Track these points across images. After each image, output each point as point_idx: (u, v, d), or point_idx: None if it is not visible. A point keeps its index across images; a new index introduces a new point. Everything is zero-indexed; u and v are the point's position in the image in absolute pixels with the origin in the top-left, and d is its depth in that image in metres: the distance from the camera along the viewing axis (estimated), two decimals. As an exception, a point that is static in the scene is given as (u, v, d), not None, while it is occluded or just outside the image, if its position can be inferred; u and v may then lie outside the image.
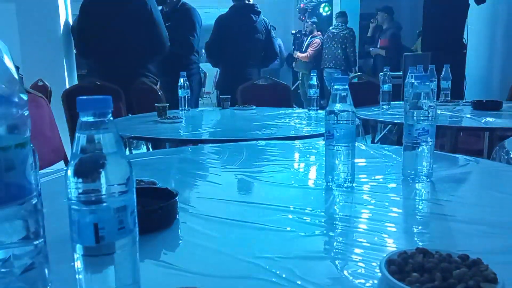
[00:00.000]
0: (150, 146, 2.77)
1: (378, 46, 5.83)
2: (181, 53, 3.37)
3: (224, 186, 0.99)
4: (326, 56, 6.14)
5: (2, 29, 4.73)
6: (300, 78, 6.99)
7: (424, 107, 0.91)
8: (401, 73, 4.59)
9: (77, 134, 0.43)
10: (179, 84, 2.51)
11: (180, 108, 2.52)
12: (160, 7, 3.54)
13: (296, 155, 1.38)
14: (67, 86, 3.86)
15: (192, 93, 3.49)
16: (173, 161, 1.27)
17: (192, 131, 1.81)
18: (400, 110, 2.31)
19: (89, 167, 0.42)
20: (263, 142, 1.45)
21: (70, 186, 0.42)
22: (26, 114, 0.47)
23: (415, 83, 0.94)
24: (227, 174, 1.09)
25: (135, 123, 2.15)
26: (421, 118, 0.91)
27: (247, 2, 3.43)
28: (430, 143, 0.92)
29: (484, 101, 2.27)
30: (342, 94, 0.89)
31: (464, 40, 3.81)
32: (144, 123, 2.09)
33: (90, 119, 0.43)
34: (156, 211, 0.69)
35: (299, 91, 7.78)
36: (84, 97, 0.43)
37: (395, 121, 2.03)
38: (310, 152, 1.41)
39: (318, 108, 2.36)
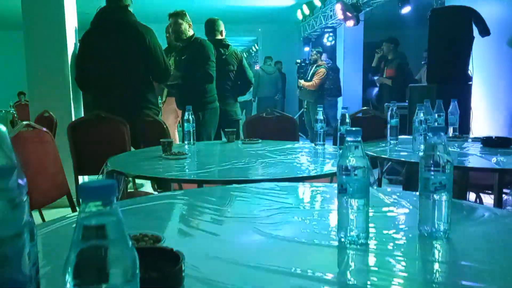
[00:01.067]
0: (155, 184, 2.74)
1: (384, 76, 5.85)
2: (201, 83, 3.42)
3: (230, 242, 0.95)
4: None
5: (10, 57, 4.80)
6: (305, 106, 7.01)
7: (440, 161, 0.87)
8: (406, 103, 4.58)
9: (77, 222, 0.39)
10: (185, 118, 2.50)
11: (185, 142, 2.51)
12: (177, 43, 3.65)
13: (305, 201, 1.34)
14: (73, 118, 3.87)
15: (211, 124, 3.52)
16: (178, 208, 1.23)
17: (197, 170, 1.78)
18: (408, 146, 2.27)
19: (90, 264, 0.38)
20: (269, 185, 1.41)
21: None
22: (24, 199, 0.44)
23: (430, 135, 0.90)
24: (233, 225, 1.05)
25: (139, 158, 2.12)
26: (438, 173, 0.87)
27: (217, 38, 3.74)
28: (448, 198, 0.88)
29: (493, 137, 2.23)
30: (355, 147, 0.86)
31: (469, 72, 3.80)
32: (149, 159, 2.06)
33: (93, 208, 0.39)
34: (160, 280, 0.65)
35: (303, 118, 7.80)
36: (87, 185, 0.40)
37: (404, 159, 1.98)
38: (319, 198, 1.37)
39: (324, 143, 2.34)
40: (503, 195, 2.28)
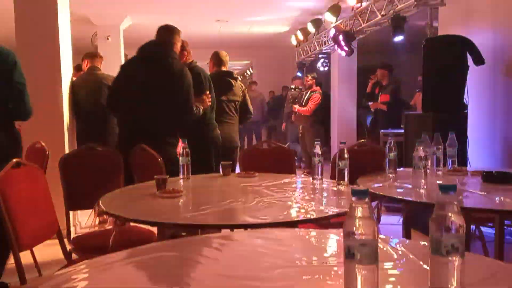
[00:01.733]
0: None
1: (379, 101, 5.87)
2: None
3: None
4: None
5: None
6: (300, 132, 7.00)
7: (453, 224, 0.83)
8: (402, 129, 4.57)
9: None
10: (180, 151, 2.46)
11: (181, 176, 2.45)
12: None
13: (307, 253, 1.26)
14: (67, 149, 3.80)
15: (214, 154, 3.48)
16: (171, 262, 1.17)
17: (193, 211, 1.71)
18: (408, 181, 2.23)
19: None
20: (269, 234, 1.35)
21: None
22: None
23: (440, 193, 0.86)
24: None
25: (133, 197, 2.06)
26: (450, 235, 0.83)
27: (227, 70, 3.93)
28: (461, 262, 0.83)
29: (494, 172, 2.20)
30: (362, 208, 0.81)
31: (465, 101, 3.81)
32: (142, 198, 2.00)
33: None
34: None
35: (297, 142, 7.78)
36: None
37: (405, 197, 1.94)
38: (321, 249, 1.31)
39: (322, 177, 2.29)
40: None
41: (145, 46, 3.17)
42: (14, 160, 2.02)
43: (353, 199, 0.83)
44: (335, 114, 7.70)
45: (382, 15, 4.93)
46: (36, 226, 2.02)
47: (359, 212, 0.81)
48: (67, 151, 3.80)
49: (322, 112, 6.98)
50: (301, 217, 1.59)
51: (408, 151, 3.97)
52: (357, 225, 0.80)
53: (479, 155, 3.97)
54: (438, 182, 0.84)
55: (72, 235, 2.53)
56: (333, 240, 1.35)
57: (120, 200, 1.99)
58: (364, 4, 5.35)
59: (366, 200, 0.82)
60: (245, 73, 14.48)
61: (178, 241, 1.37)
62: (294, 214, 1.70)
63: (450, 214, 0.83)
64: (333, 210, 1.69)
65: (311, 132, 6.69)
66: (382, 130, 5.02)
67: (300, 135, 7.05)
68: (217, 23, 7.81)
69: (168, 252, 1.21)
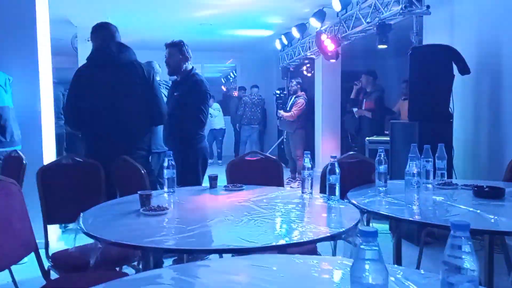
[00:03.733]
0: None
1: (363, 108, 5.88)
2: (192, 128, 3.32)
3: None
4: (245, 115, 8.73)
5: None
6: (285, 137, 6.96)
7: (466, 268, 0.77)
8: (388, 138, 4.56)
9: None
10: (165, 164, 2.36)
11: (166, 189, 2.36)
12: (174, 77, 3.50)
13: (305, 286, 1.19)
14: (44, 158, 3.65)
15: (201, 165, 3.38)
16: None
17: (179, 233, 1.62)
18: (399, 196, 2.20)
19: None
20: (263, 260, 1.28)
21: None
22: None
23: (452, 234, 0.80)
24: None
25: (115, 215, 1.96)
26: (462, 278, 0.77)
27: None
28: (475, 307, 0.78)
29: (485, 187, 2.18)
30: (372, 252, 0.75)
31: (450, 109, 3.82)
32: (125, 216, 1.91)
33: None
34: None
35: (282, 146, 7.74)
36: None
37: (398, 216, 1.89)
38: (318, 280, 1.24)
39: (312, 191, 2.24)
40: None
41: (100, 50, 2.87)
42: (-12, 175, 1.90)
43: (361, 240, 0.76)
44: (319, 120, 7.68)
45: (368, 22, 4.93)
46: (11, 245, 1.91)
47: (368, 255, 0.75)
48: (44, 159, 3.66)
49: (306, 117, 6.97)
50: (293, 240, 1.53)
51: (394, 160, 3.96)
52: (366, 270, 0.74)
53: (464, 165, 3.99)
54: (450, 222, 0.78)
55: (51, 250, 2.41)
56: (333, 272, 1.29)
57: (102, 218, 1.89)
58: (349, 10, 5.35)
59: (376, 242, 0.76)
60: (229, 76, 14.40)
61: (158, 272, 1.29)
62: (285, 236, 1.63)
63: (463, 256, 0.78)
64: (326, 232, 1.63)
65: (295, 137, 6.66)
66: (367, 138, 5.00)
67: (284, 140, 7.01)
68: (201, 26, 7.70)
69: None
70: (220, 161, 9.26)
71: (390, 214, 1.90)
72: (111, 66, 2.81)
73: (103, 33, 2.93)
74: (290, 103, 6.72)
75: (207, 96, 3.38)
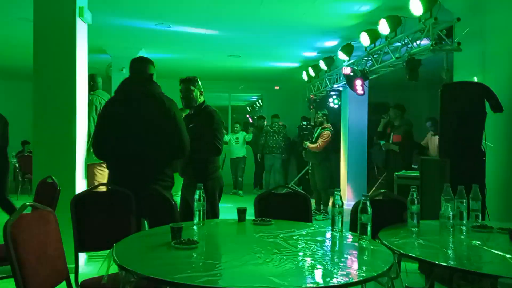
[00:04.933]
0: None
1: (391, 142, 5.83)
2: (207, 155, 3.39)
3: None
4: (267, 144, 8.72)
5: (17, 107, 4.81)
6: (310, 168, 6.93)
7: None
8: (417, 174, 4.48)
9: None
10: (195, 196, 2.39)
11: (195, 222, 2.38)
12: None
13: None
14: (77, 186, 3.74)
15: (215, 194, 3.43)
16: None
17: (209, 269, 1.62)
18: (432, 238, 2.14)
19: None
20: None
21: None
22: None
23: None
24: None
25: (147, 247, 1.98)
26: None
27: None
28: None
29: (523, 232, 2.10)
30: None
31: (482, 147, 3.74)
32: (156, 249, 1.92)
33: None
34: None
35: (307, 177, 7.69)
36: None
37: (433, 260, 1.84)
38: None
39: (342, 229, 2.21)
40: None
41: (127, 84, 3.00)
42: (28, 203, 1.97)
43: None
44: (345, 152, 7.63)
45: (397, 57, 4.94)
46: (45, 273, 1.94)
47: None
48: (77, 187, 3.76)
49: (332, 149, 6.95)
50: (325, 284, 1.50)
51: (424, 196, 3.88)
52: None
53: (498, 205, 3.86)
54: (499, 281, 0.76)
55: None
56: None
57: (134, 250, 1.92)
58: (378, 45, 5.39)
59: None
60: (254, 105, 14.55)
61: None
62: (316, 279, 1.61)
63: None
64: (358, 275, 1.60)
65: (320, 168, 6.62)
66: (396, 173, 4.93)
67: (309, 171, 6.98)
68: (230, 58, 7.89)
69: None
70: (241, 192, 9.05)
71: (425, 259, 1.85)
72: (136, 99, 2.92)
73: (135, 67, 3.06)
74: (316, 134, 6.72)
75: (221, 125, 3.48)
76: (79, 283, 2.35)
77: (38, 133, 3.84)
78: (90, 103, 4.41)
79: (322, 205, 6.66)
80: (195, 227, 2.35)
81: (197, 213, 2.37)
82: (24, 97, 5.03)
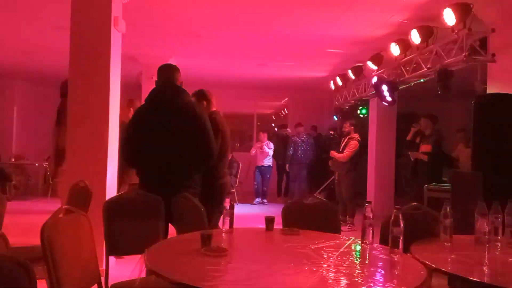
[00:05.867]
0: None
1: (420, 151, 5.73)
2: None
3: None
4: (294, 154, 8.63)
5: (53, 113, 5.00)
6: (336, 178, 6.87)
7: None
8: (448, 186, 4.38)
9: None
10: (226, 204, 2.41)
11: (223, 229, 2.40)
12: None
13: None
14: (107, 190, 3.83)
15: (222, 200, 3.45)
16: None
17: (241, 279, 1.63)
18: (464, 252, 2.09)
19: None
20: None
21: None
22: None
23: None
24: None
25: (177, 252, 2.00)
26: None
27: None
28: None
29: None
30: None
31: (517, 161, 3.63)
32: (186, 255, 1.94)
33: None
34: None
35: (332, 186, 7.63)
36: None
37: (472, 278, 1.78)
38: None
39: (372, 242, 2.18)
40: None
41: (158, 93, 3.05)
42: (64, 207, 2.03)
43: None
44: (372, 162, 7.54)
45: (428, 68, 4.86)
46: (78, 276, 1.99)
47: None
48: (107, 191, 3.84)
49: (359, 159, 6.87)
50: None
51: (455, 210, 3.77)
52: None
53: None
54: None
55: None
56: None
57: (164, 255, 1.94)
58: (409, 55, 5.31)
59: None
60: (280, 114, 14.56)
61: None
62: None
63: None
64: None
65: (347, 179, 6.56)
66: (426, 185, 4.83)
67: (335, 181, 6.91)
68: (258, 66, 7.94)
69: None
70: (265, 200, 8.99)
71: (458, 274, 1.80)
72: (166, 108, 2.97)
73: (163, 75, 3.12)
74: (343, 144, 6.67)
75: (217, 132, 3.41)
76: (109, 286, 2.40)
77: (71, 138, 3.95)
78: None
79: (347, 216, 6.58)
80: (223, 234, 2.36)
81: (229, 220, 2.39)
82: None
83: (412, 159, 5.95)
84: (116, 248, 2.63)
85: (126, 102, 4.87)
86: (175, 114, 2.96)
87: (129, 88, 6.68)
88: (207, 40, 6.13)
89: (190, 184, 3.00)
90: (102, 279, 2.29)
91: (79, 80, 3.97)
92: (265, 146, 8.91)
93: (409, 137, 6.25)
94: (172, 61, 7.24)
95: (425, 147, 5.71)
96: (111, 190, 3.99)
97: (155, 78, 3.22)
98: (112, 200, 2.73)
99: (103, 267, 2.47)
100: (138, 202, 2.80)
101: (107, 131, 3.94)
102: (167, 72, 3.12)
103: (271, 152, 8.94)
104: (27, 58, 7.65)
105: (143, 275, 1.94)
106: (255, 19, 5.19)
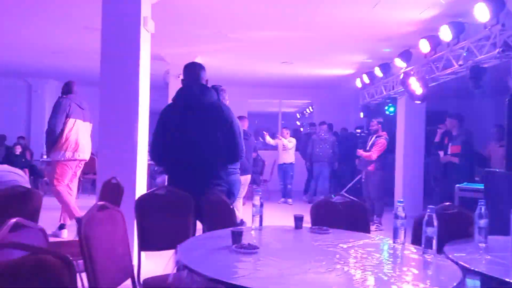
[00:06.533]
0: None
1: (449, 153, 5.59)
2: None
3: None
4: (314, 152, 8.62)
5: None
6: (363, 177, 6.79)
7: None
8: (480, 186, 4.27)
9: None
10: (256, 203, 2.42)
11: (253, 227, 2.41)
12: None
13: None
14: (137, 187, 3.90)
15: (235, 196, 3.49)
16: None
17: (272, 276, 1.64)
18: (500, 254, 2.03)
19: None
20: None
21: None
22: None
23: None
24: None
25: (209, 249, 2.02)
26: None
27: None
28: None
29: None
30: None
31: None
32: (218, 252, 1.96)
33: None
34: None
35: (358, 185, 7.54)
36: None
37: (505, 278, 1.74)
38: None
39: (404, 242, 2.15)
40: None
41: (185, 92, 3.08)
42: (100, 203, 2.08)
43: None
44: (400, 161, 7.41)
45: (460, 65, 4.75)
46: (114, 270, 2.04)
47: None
48: (138, 188, 3.92)
49: (386, 158, 6.77)
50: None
51: (489, 211, 3.68)
52: None
53: None
54: None
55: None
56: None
57: (197, 252, 1.97)
58: (439, 52, 5.20)
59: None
60: (304, 112, 14.50)
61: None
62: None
63: None
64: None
65: (374, 178, 6.48)
66: (458, 185, 4.72)
67: (363, 180, 6.84)
68: (282, 65, 7.93)
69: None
70: (290, 200, 8.71)
71: (493, 276, 1.76)
72: (194, 107, 3.00)
73: (189, 73, 3.15)
74: (370, 142, 6.59)
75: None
76: (142, 280, 2.45)
77: (103, 136, 4.05)
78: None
79: (375, 215, 6.50)
80: (253, 232, 2.37)
81: (259, 218, 2.41)
82: (89, 102, 5.30)
83: (443, 162, 5.83)
84: (148, 244, 2.69)
85: None
86: (203, 113, 2.99)
87: (156, 87, 6.76)
88: (233, 38, 6.16)
89: (219, 182, 3.03)
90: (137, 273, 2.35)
91: (110, 80, 4.05)
92: (282, 139, 8.60)
93: (437, 139, 6.13)
94: (198, 60, 7.30)
95: (454, 148, 5.58)
96: (141, 186, 4.06)
97: (181, 77, 3.25)
98: (144, 196, 2.78)
99: (134, 263, 2.53)
100: (169, 198, 2.85)
101: (137, 129, 4.01)
102: (193, 71, 3.14)
103: (290, 145, 8.62)
104: (58, 58, 7.86)
105: (175, 270, 1.97)
106: (281, 16, 5.18)
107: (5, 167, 2.66)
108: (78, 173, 5.33)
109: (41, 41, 6.71)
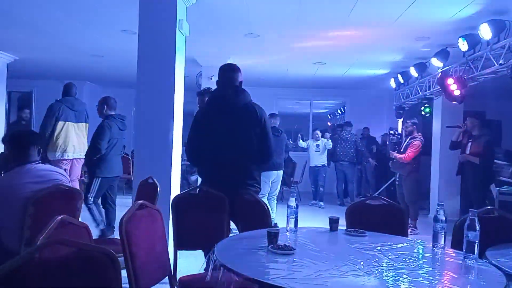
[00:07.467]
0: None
1: (468, 153, 5.44)
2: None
3: None
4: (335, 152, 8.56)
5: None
6: (397, 180, 6.65)
7: None
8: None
9: None
10: (292, 204, 2.43)
11: (287, 227, 2.42)
12: None
13: None
14: (172, 186, 3.97)
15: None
16: None
17: (310, 277, 1.64)
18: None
19: None
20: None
21: None
22: None
23: None
24: None
25: (245, 249, 2.04)
26: None
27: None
28: None
29: None
30: None
31: None
32: (255, 252, 1.98)
33: None
34: None
35: (392, 188, 7.39)
36: None
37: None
38: None
39: (444, 246, 2.10)
40: None
41: (219, 94, 3.11)
42: (139, 202, 2.14)
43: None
44: (436, 163, 7.21)
45: (500, 64, 4.58)
46: (153, 267, 2.10)
47: None
48: (172, 188, 3.99)
49: (421, 160, 6.61)
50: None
51: None
52: None
53: None
54: None
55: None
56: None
57: (233, 251, 1.99)
58: (478, 51, 5.04)
59: None
60: (336, 113, 14.35)
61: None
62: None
63: None
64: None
65: (409, 180, 6.33)
66: (498, 188, 4.57)
67: (397, 183, 6.70)
68: (315, 65, 7.88)
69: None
70: (321, 203, 8.44)
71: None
72: (228, 109, 3.03)
73: (224, 75, 3.18)
74: (404, 144, 6.45)
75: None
76: (178, 279, 2.50)
77: (139, 137, 4.15)
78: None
79: (409, 219, 6.35)
80: (287, 233, 2.38)
81: (295, 220, 2.41)
82: (126, 104, 5.45)
83: (461, 161, 5.68)
84: (183, 243, 2.74)
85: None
86: (237, 114, 3.02)
87: (189, 88, 6.87)
88: (265, 39, 6.17)
89: (252, 183, 3.05)
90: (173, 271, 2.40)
91: (146, 82, 4.14)
92: (319, 144, 8.46)
93: (454, 138, 5.97)
94: (230, 61, 7.37)
95: (476, 148, 5.41)
96: (176, 186, 4.14)
97: (214, 78, 3.29)
98: (180, 196, 2.84)
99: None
100: (204, 198, 2.89)
101: (172, 130, 4.08)
102: (228, 73, 3.17)
103: (329, 145, 8.46)
104: (96, 61, 8.11)
105: (211, 270, 2.00)
106: (315, 16, 5.15)
107: (49, 166, 2.77)
108: (79, 173, 5.55)
109: (80, 44, 6.94)
